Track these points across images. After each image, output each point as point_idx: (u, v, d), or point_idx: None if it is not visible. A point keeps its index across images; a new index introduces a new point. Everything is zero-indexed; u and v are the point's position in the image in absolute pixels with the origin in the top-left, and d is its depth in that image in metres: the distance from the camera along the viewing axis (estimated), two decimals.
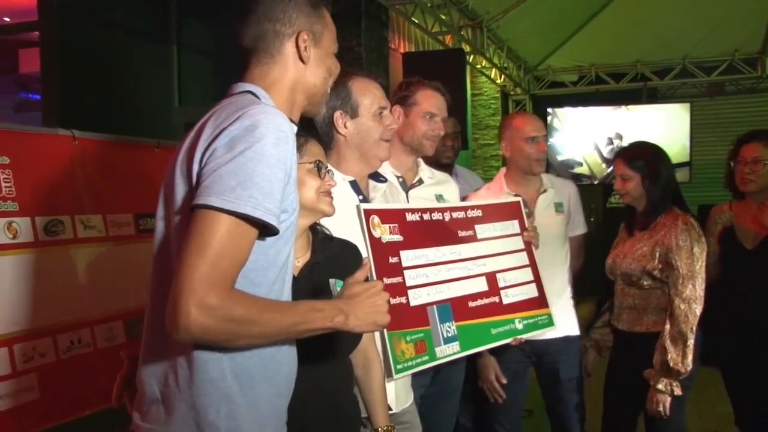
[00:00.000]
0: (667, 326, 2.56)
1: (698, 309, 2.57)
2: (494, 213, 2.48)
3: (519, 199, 2.64)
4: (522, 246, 2.52)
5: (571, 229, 2.94)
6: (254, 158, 1.23)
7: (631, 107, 8.64)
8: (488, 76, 8.51)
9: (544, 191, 2.86)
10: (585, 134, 8.71)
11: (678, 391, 2.54)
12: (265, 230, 1.27)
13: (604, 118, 8.64)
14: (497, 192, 2.85)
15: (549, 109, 8.60)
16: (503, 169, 2.96)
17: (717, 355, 3.10)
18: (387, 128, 2.12)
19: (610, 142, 8.58)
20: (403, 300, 1.99)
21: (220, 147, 1.25)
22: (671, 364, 2.52)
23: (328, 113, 2.06)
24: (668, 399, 2.54)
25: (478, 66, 8.13)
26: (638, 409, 2.72)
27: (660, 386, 2.54)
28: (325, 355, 1.73)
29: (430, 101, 2.49)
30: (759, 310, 2.85)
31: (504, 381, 2.76)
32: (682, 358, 2.52)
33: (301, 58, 1.47)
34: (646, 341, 2.64)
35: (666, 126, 8.33)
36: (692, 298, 2.57)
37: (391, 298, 1.51)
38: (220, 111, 1.35)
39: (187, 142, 1.36)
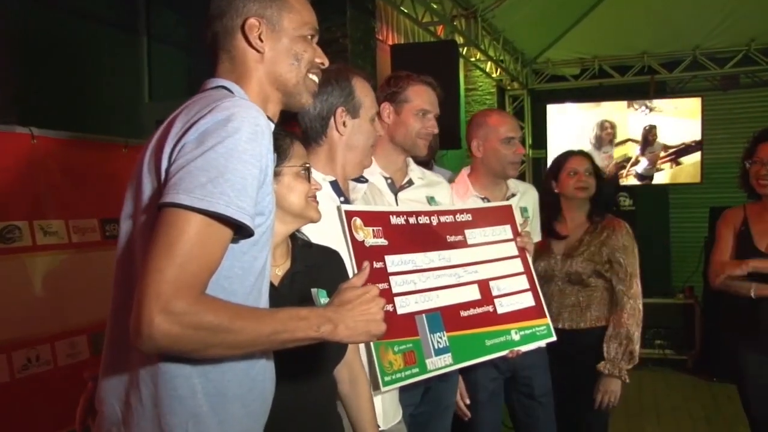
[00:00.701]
0: (624, 318, 2.93)
1: (641, 305, 3.00)
2: (485, 217, 2.51)
3: (511, 203, 2.68)
4: (516, 252, 2.56)
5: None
6: (227, 153, 1.23)
7: (636, 102, 8.64)
8: (483, 70, 8.53)
9: (512, 195, 2.90)
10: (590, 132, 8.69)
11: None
12: (239, 231, 1.27)
13: (613, 115, 8.59)
14: (463, 195, 2.87)
15: (549, 106, 8.60)
16: (466, 170, 2.98)
17: (732, 370, 3.12)
18: (377, 134, 2.17)
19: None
20: (389, 308, 2.00)
21: (190, 141, 1.26)
22: (635, 354, 2.93)
23: (328, 108, 2.08)
24: (620, 386, 2.97)
25: (473, 59, 8.14)
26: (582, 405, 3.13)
27: (623, 374, 2.94)
28: (309, 370, 1.73)
29: (423, 97, 2.51)
30: None
31: (467, 401, 2.79)
32: (638, 347, 2.97)
33: (254, 48, 1.48)
34: (591, 336, 3.01)
35: (675, 122, 8.35)
36: (638, 295, 3.00)
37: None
38: (191, 105, 1.36)
39: (155, 137, 1.38)
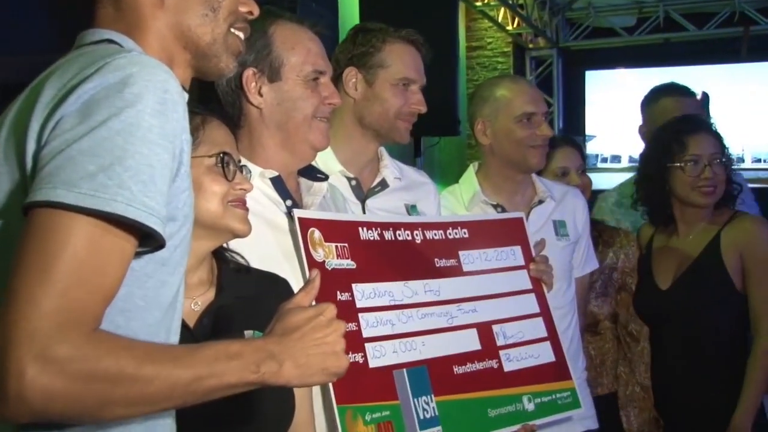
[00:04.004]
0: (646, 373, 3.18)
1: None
2: (487, 234, 2.61)
3: (521, 215, 2.75)
4: (529, 285, 2.64)
5: (576, 264, 3.09)
6: (125, 131, 1.27)
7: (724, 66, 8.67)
8: (494, 20, 8.54)
9: (540, 202, 3.00)
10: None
11: None
12: (145, 242, 1.33)
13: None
14: (468, 201, 2.99)
15: (589, 72, 8.63)
16: (474, 166, 3.09)
17: None
18: (324, 102, 2.25)
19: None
20: (359, 358, 2.10)
21: (70, 114, 1.29)
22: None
23: (237, 72, 2.18)
24: None
25: (478, 3, 8.21)
26: None
27: None
28: None
29: (405, 60, 2.63)
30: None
31: None
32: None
33: None
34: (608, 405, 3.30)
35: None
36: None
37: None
38: (66, 65, 1.41)
39: (13, 110, 1.45)
